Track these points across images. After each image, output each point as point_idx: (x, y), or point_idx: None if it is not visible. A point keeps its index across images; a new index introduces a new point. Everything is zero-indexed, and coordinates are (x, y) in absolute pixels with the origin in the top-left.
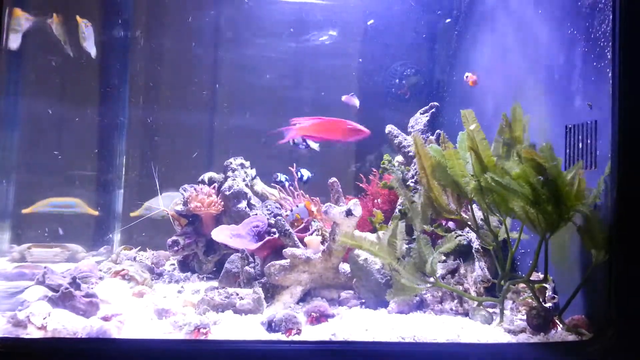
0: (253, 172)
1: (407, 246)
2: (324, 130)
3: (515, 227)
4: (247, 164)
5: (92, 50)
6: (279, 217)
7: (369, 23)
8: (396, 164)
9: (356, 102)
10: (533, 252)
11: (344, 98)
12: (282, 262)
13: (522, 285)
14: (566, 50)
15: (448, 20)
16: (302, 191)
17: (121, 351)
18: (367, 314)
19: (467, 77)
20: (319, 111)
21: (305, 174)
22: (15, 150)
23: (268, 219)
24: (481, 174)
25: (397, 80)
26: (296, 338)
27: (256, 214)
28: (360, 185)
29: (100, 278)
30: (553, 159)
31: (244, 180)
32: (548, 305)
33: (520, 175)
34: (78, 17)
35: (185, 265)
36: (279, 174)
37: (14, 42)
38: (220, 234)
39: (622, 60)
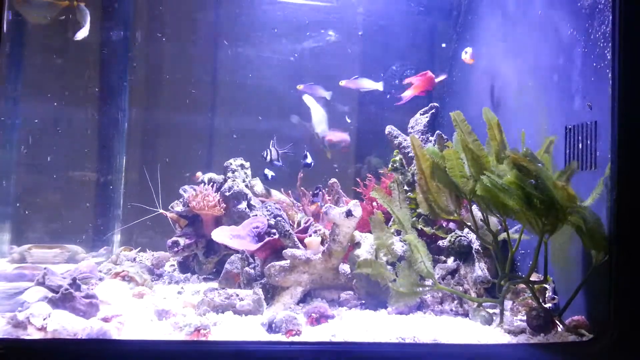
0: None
1: (403, 249)
2: None
3: (516, 228)
4: (247, 164)
5: (83, 33)
6: (279, 218)
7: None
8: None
9: (368, 84)
10: (533, 252)
11: (343, 83)
12: (282, 263)
13: (522, 285)
14: (566, 51)
15: (444, 45)
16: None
17: (121, 352)
18: (367, 315)
19: (465, 52)
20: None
21: (268, 173)
22: (15, 150)
23: (268, 219)
24: (478, 175)
25: (397, 81)
26: (296, 339)
27: (256, 215)
28: (360, 187)
29: (100, 279)
30: (537, 162)
31: (243, 181)
32: (548, 305)
33: (512, 181)
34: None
35: (185, 266)
36: (266, 170)
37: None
38: (221, 235)
39: (621, 60)
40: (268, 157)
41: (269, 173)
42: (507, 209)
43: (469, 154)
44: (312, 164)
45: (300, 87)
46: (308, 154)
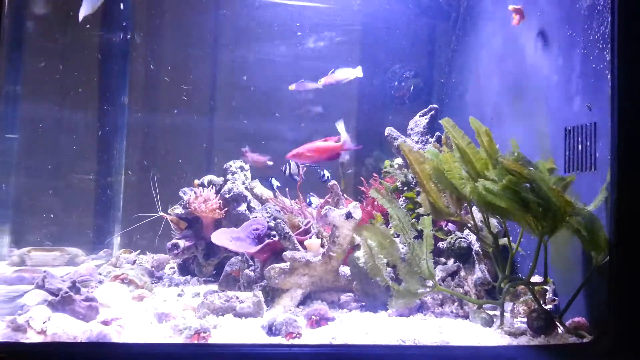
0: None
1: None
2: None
3: (517, 228)
4: (247, 166)
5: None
6: (279, 220)
7: None
8: (396, 167)
9: (347, 74)
10: (533, 254)
11: (322, 82)
12: (282, 265)
13: (522, 287)
14: (565, 52)
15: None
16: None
17: (121, 355)
18: (368, 317)
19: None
20: (317, 113)
21: (275, 183)
22: (14, 153)
23: (268, 221)
24: (475, 178)
25: (397, 83)
26: (296, 342)
27: (256, 217)
28: (361, 188)
29: (100, 282)
30: (529, 166)
31: (243, 183)
32: (548, 307)
33: (506, 186)
34: None
35: (185, 269)
36: (273, 179)
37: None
38: (220, 237)
39: (620, 62)
40: (287, 171)
41: (275, 183)
42: (505, 212)
43: (466, 157)
44: (329, 178)
45: (292, 87)
46: (326, 172)
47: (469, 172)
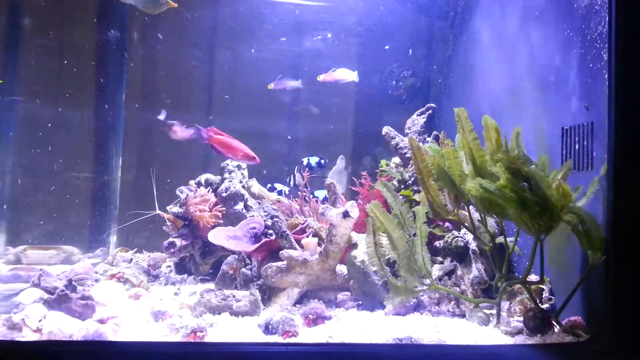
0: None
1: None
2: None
3: (513, 227)
4: (244, 165)
5: None
6: (276, 219)
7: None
8: (393, 166)
9: (345, 75)
10: (530, 253)
11: (320, 78)
12: (279, 263)
13: (519, 286)
14: (562, 51)
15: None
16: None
17: (117, 354)
18: (364, 316)
19: None
20: (314, 112)
21: (284, 189)
22: (10, 152)
23: (265, 220)
24: (474, 175)
25: (394, 82)
26: (293, 340)
27: (253, 216)
28: (354, 188)
29: (96, 280)
30: (530, 163)
31: (240, 181)
32: (545, 306)
33: (504, 185)
34: None
35: (181, 267)
36: (277, 184)
37: None
38: (217, 236)
39: (618, 61)
40: (292, 183)
41: (285, 189)
42: (503, 210)
43: (469, 153)
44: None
45: (270, 86)
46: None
47: (470, 168)
